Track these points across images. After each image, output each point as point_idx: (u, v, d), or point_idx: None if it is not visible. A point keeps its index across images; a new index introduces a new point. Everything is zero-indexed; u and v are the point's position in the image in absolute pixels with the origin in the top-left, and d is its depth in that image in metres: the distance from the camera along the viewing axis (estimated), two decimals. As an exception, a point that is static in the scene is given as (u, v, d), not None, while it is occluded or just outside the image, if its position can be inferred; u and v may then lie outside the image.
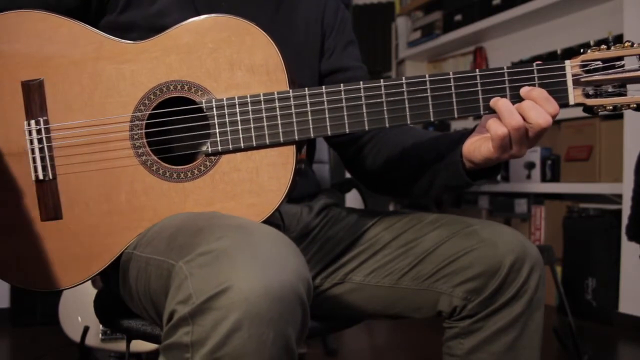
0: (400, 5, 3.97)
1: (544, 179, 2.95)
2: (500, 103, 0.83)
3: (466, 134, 0.92)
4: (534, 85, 0.84)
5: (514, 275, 0.91)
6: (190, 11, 0.88)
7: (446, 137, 0.97)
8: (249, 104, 0.85)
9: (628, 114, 2.47)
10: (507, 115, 0.82)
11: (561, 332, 2.18)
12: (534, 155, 2.94)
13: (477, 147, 0.88)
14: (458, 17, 3.39)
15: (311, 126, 0.86)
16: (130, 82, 0.87)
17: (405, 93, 0.85)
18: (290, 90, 0.85)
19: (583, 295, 2.64)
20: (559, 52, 2.80)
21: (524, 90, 0.83)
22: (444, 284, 0.96)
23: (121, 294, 0.94)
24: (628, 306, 2.49)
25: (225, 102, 0.86)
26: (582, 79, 0.83)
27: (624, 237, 2.41)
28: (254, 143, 0.85)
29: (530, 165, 2.97)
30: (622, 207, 2.48)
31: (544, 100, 0.82)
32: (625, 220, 2.28)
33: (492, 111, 0.84)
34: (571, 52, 0.86)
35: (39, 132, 0.88)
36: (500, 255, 0.92)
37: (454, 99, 0.85)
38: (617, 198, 2.62)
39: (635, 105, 0.83)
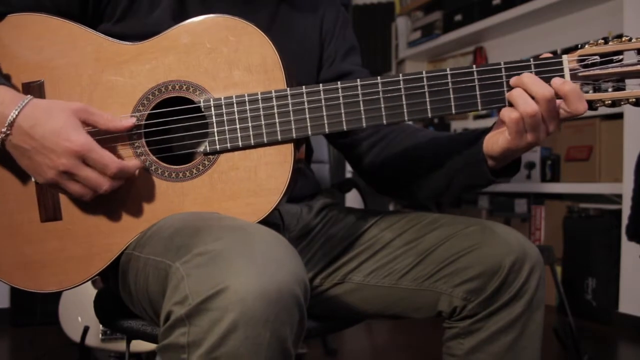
0: (400, 5, 3.97)
1: (544, 179, 2.95)
2: (515, 93, 0.82)
3: (485, 131, 0.92)
4: None
5: (514, 275, 0.91)
6: (184, 19, 0.88)
7: (461, 137, 0.96)
8: (247, 103, 0.85)
9: (628, 114, 2.47)
10: (522, 103, 0.81)
11: (561, 332, 2.17)
12: (534, 155, 2.94)
13: (495, 141, 0.87)
14: (458, 17, 3.39)
15: (309, 124, 0.85)
16: (129, 83, 0.87)
17: (402, 90, 0.85)
18: (288, 89, 0.85)
19: (583, 295, 2.63)
20: (558, 52, 2.79)
21: (512, 80, 0.83)
22: (444, 284, 0.96)
23: (121, 294, 0.94)
24: (628, 306, 2.49)
25: (223, 101, 0.85)
26: (580, 74, 0.83)
27: (624, 237, 2.41)
28: (252, 142, 0.85)
29: (530, 165, 2.96)
30: (622, 207, 2.48)
31: (533, 82, 0.81)
32: (625, 220, 2.27)
33: (490, 107, 0.84)
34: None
35: (38, 132, 0.88)
36: (500, 255, 0.91)
37: (451, 95, 0.85)
38: (617, 198, 2.62)
39: (634, 100, 0.82)
